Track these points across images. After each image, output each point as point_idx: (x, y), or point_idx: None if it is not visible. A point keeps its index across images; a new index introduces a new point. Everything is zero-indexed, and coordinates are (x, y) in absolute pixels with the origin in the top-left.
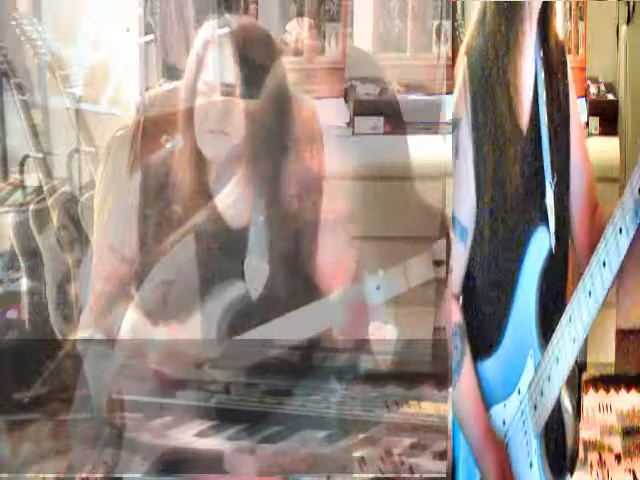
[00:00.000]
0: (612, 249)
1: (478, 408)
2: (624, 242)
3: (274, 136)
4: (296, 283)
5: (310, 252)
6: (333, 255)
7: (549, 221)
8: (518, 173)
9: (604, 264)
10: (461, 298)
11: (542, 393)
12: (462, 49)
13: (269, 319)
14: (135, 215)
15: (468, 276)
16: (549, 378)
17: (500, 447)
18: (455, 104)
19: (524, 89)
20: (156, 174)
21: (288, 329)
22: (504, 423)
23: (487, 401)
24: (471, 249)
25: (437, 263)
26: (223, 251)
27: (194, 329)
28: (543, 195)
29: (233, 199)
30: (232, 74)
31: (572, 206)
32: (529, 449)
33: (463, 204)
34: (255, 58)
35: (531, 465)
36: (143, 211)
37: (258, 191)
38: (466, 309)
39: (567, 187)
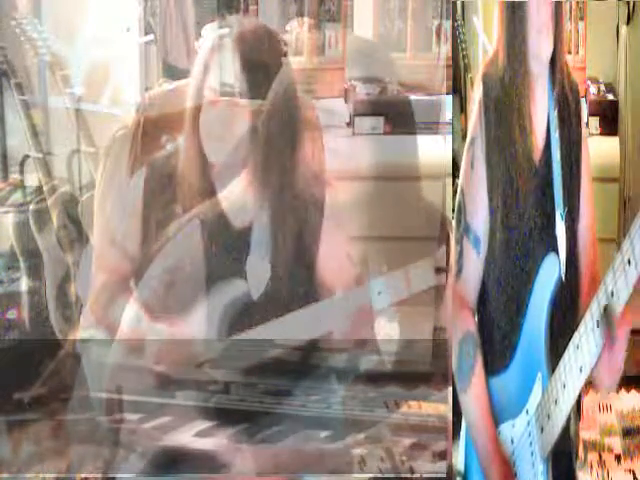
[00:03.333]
0: (620, 280)
1: (486, 416)
2: (632, 274)
3: (280, 139)
4: (298, 284)
5: (312, 253)
6: (335, 256)
7: (559, 251)
8: (529, 202)
9: (612, 294)
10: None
11: (549, 416)
12: (479, 75)
13: (270, 319)
14: (138, 211)
15: (482, 290)
16: (556, 402)
17: (507, 461)
18: (472, 125)
19: (537, 126)
20: (161, 171)
21: (287, 330)
22: (512, 442)
23: (496, 418)
24: (485, 263)
25: (439, 270)
26: (225, 249)
27: (194, 326)
28: (553, 224)
29: (237, 198)
30: (238, 78)
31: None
32: (535, 471)
33: (476, 213)
34: (262, 61)
35: None
36: (146, 207)
37: (262, 191)
38: (479, 323)
39: (577, 221)
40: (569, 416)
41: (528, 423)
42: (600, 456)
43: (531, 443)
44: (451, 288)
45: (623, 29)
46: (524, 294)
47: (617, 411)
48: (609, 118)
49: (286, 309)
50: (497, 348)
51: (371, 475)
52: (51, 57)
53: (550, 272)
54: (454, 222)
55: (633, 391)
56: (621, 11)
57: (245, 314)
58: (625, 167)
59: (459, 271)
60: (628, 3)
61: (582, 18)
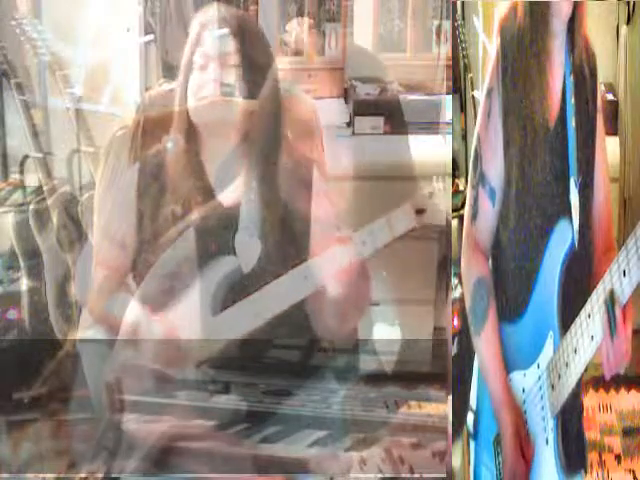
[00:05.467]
0: (633, 260)
1: (498, 360)
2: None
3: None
4: (288, 257)
5: (302, 227)
6: (324, 230)
7: (572, 217)
8: (543, 163)
9: (624, 273)
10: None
11: (559, 376)
12: (496, 28)
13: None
14: (133, 203)
15: (496, 244)
16: (567, 364)
17: (517, 406)
18: (489, 75)
19: (552, 88)
20: (153, 162)
21: (279, 293)
22: (523, 391)
23: (507, 364)
24: (499, 219)
25: (419, 212)
26: (215, 228)
27: (189, 307)
28: (567, 191)
29: (227, 180)
30: (230, 48)
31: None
32: (545, 425)
33: (492, 164)
34: (252, 38)
35: (547, 441)
36: (140, 199)
37: (252, 172)
38: (494, 271)
39: (592, 189)
40: (580, 380)
41: (539, 377)
42: (600, 456)
43: (542, 397)
44: (465, 232)
45: (623, 29)
46: (537, 254)
47: (617, 411)
48: (609, 118)
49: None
50: (510, 298)
51: (371, 475)
52: (51, 57)
53: (563, 237)
54: (470, 168)
55: (633, 391)
56: (621, 11)
57: (237, 288)
58: (625, 167)
59: (474, 217)
60: (628, 3)
61: None
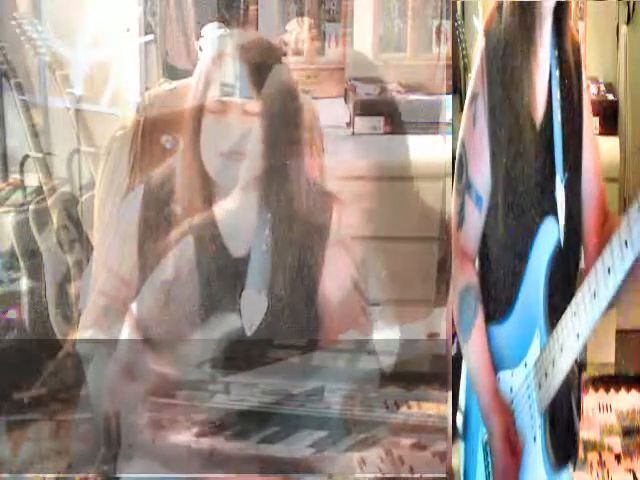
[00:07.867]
0: (617, 259)
1: (486, 367)
2: (629, 255)
3: (280, 145)
4: (295, 320)
5: (314, 283)
6: (339, 284)
7: (558, 215)
8: (531, 162)
9: (609, 270)
10: (477, 262)
11: (546, 375)
12: (481, 28)
13: (263, 357)
14: (135, 236)
15: (483, 244)
16: (553, 363)
17: (506, 410)
18: (473, 81)
19: (539, 84)
20: (158, 193)
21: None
22: (511, 390)
23: (495, 365)
24: (486, 220)
25: (431, 335)
26: (220, 280)
27: (184, 363)
28: (553, 188)
29: (235, 220)
30: (247, 91)
31: (583, 206)
32: (533, 423)
33: (478, 170)
34: (264, 71)
35: (535, 439)
36: (144, 231)
37: (262, 211)
38: (480, 273)
39: (578, 186)
40: (567, 377)
41: (527, 376)
42: (600, 456)
43: (529, 396)
44: (452, 240)
45: (623, 29)
46: (523, 253)
47: (617, 411)
48: (609, 118)
49: (281, 347)
50: (497, 299)
51: (371, 475)
52: (51, 57)
53: (549, 235)
54: (455, 175)
55: (633, 391)
56: (621, 11)
57: (237, 351)
58: (625, 167)
59: (460, 224)
60: (628, 3)
61: (582, 18)
